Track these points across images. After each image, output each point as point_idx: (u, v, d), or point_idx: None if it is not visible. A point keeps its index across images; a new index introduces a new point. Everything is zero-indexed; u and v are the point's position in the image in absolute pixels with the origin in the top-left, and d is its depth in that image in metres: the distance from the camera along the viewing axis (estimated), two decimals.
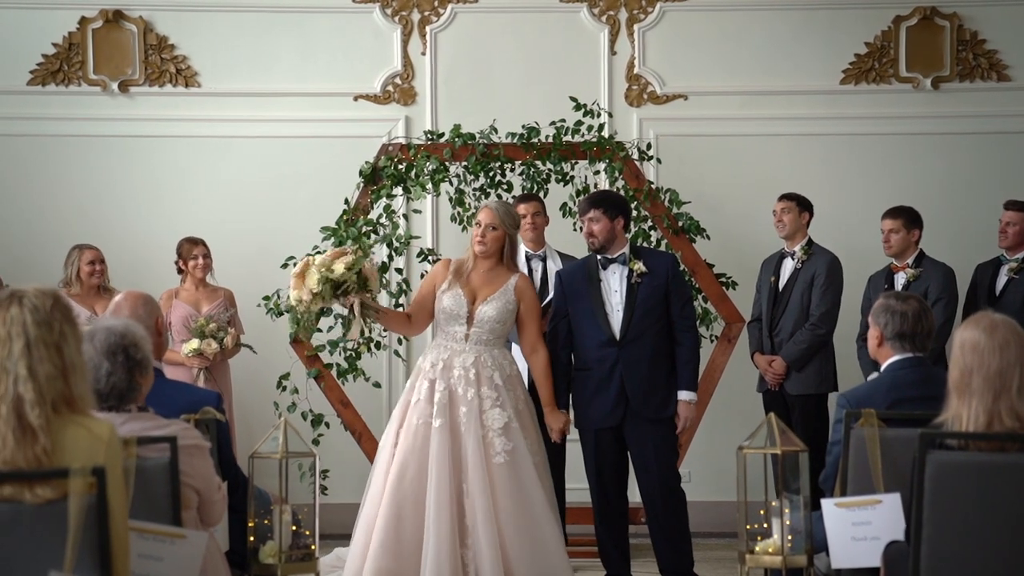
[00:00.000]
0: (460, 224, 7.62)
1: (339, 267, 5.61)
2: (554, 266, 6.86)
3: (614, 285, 6.02)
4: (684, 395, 6.02)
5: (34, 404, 3.01)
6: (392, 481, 5.57)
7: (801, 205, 7.21)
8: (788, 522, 4.31)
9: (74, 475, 2.96)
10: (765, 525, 4.41)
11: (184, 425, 3.76)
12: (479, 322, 5.74)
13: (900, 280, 7.03)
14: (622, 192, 7.26)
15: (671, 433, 6.05)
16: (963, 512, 3.66)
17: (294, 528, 4.50)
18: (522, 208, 6.97)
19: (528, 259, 6.97)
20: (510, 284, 5.82)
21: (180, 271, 7.65)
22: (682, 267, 6.94)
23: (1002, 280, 7.12)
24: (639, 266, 5.99)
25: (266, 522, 4.47)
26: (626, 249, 6.08)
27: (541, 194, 7.39)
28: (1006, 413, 3.71)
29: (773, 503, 4.36)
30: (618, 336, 5.96)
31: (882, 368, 4.56)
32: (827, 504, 4.19)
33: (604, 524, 6.14)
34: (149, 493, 3.50)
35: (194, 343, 7.31)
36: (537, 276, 6.92)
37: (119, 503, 3.07)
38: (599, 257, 6.08)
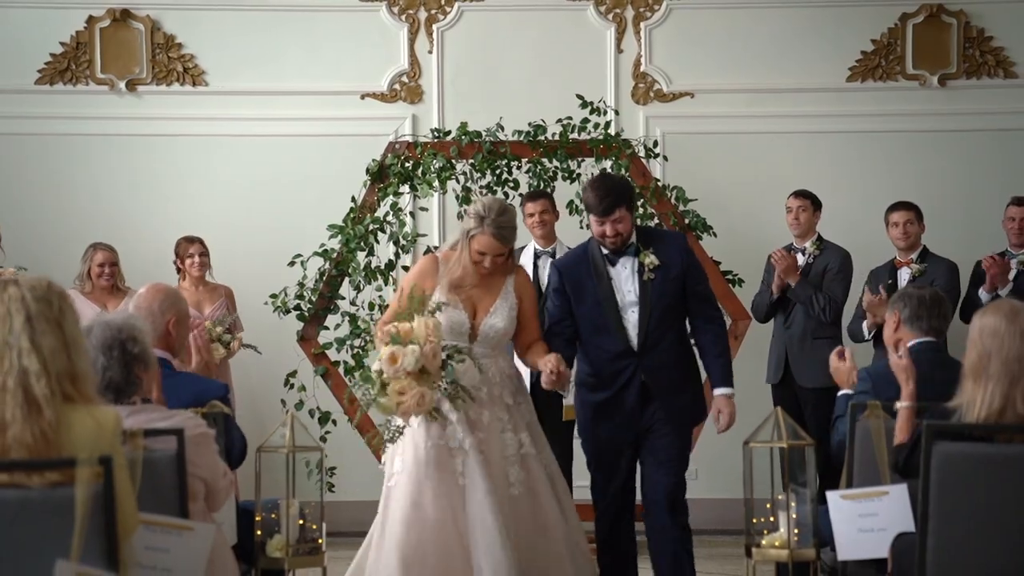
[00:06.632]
0: None
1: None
2: None
3: (626, 283, 5.29)
4: (721, 391, 5.33)
5: (40, 375, 3.01)
6: (408, 508, 4.97)
7: (815, 204, 7.26)
8: (795, 516, 4.31)
9: (81, 465, 2.97)
10: (772, 519, 4.41)
11: (189, 415, 3.76)
12: (484, 337, 5.17)
13: (904, 275, 7.04)
14: None
15: (687, 443, 5.49)
16: (970, 503, 3.65)
17: (301, 522, 4.52)
18: (530, 206, 6.97)
19: (537, 256, 6.97)
20: (509, 286, 5.24)
21: (179, 270, 7.67)
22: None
23: (1011, 274, 7.11)
24: (651, 259, 5.24)
25: (273, 516, 4.49)
26: (633, 236, 5.32)
27: (548, 191, 7.39)
28: (1021, 400, 3.71)
29: (780, 497, 4.36)
30: (636, 345, 5.26)
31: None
32: (833, 496, 4.19)
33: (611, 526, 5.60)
34: (156, 485, 3.51)
35: None
36: (544, 273, 6.90)
37: (122, 489, 3.08)
38: (605, 252, 5.31)
